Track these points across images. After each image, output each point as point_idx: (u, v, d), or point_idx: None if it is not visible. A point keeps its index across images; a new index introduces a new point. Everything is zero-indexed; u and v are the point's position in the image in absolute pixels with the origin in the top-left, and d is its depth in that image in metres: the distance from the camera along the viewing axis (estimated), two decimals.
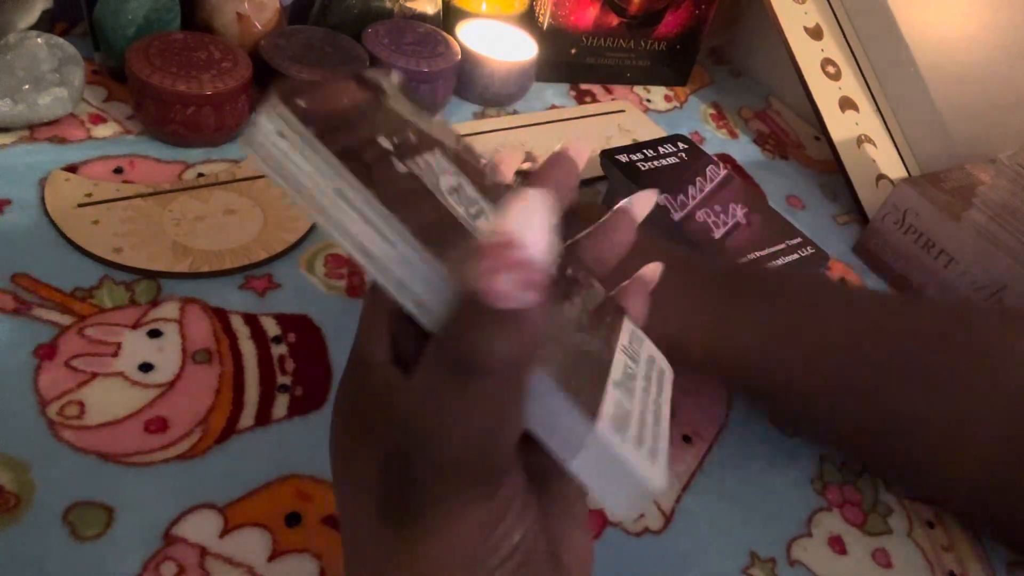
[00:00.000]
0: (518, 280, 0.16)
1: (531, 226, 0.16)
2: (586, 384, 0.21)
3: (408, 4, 0.60)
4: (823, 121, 0.62)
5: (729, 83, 0.77)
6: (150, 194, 0.44)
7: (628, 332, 0.25)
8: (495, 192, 0.25)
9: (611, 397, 0.21)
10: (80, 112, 0.49)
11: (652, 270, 0.27)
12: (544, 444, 0.21)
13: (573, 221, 0.25)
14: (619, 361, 0.23)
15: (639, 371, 0.24)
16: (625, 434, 0.21)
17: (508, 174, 0.26)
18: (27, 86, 0.46)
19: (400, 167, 0.22)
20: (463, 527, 0.20)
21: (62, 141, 0.47)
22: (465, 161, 0.25)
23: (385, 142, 0.22)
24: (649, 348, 0.26)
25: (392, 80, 0.25)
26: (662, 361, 0.26)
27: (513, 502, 0.21)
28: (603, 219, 0.26)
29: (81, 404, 0.34)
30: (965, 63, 0.62)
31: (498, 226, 0.16)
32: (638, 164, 0.53)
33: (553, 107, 0.65)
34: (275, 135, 0.20)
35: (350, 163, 0.20)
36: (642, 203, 0.26)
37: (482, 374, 0.17)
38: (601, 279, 0.26)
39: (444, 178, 0.23)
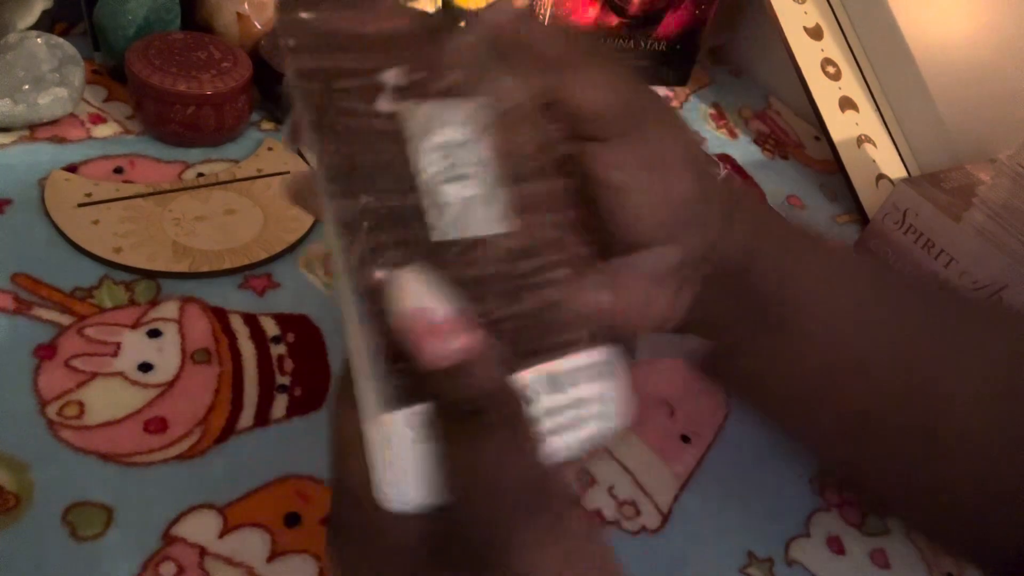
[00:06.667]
0: (438, 340, 0.18)
1: (418, 297, 0.18)
2: None
3: (407, 4, 0.60)
4: (823, 121, 0.62)
5: (729, 83, 0.77)
6: (150, 194, 0.44)
7: None
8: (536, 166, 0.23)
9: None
10: (80, 112, 0.49)
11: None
12: None
13: None
14: None
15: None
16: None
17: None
18: (27, 86, 0.46)
19: (385, 105, 0.21)
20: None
21: (62, 141, 0.47)
22: (519, 122, 0.23)
23: (393, 77, 0.22)
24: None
25: (494, 18, 0.23)
26: None
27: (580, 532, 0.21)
28: None
29: (81, 404, 0.34)
30: (965, 63, 0.62)
31: (397, 314, 0.18)
32: None
33: None
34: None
35: (308, 83, 0.21)
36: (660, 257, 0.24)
37: (477, 414, 0.18)
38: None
39: (445, 130, 0.22)
